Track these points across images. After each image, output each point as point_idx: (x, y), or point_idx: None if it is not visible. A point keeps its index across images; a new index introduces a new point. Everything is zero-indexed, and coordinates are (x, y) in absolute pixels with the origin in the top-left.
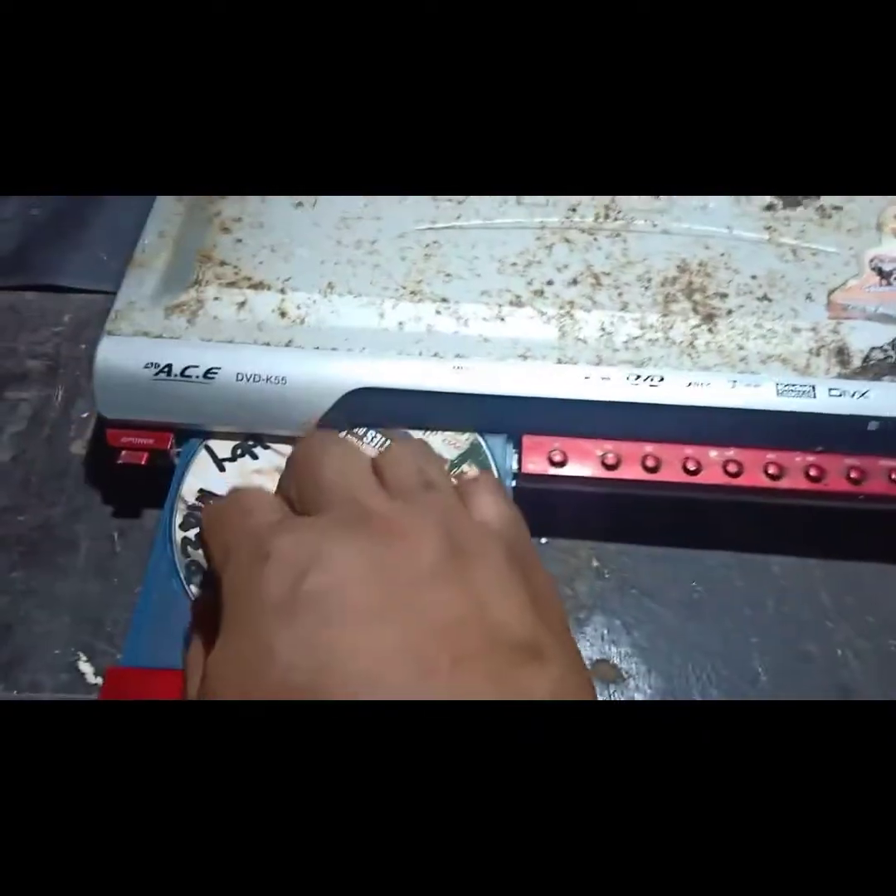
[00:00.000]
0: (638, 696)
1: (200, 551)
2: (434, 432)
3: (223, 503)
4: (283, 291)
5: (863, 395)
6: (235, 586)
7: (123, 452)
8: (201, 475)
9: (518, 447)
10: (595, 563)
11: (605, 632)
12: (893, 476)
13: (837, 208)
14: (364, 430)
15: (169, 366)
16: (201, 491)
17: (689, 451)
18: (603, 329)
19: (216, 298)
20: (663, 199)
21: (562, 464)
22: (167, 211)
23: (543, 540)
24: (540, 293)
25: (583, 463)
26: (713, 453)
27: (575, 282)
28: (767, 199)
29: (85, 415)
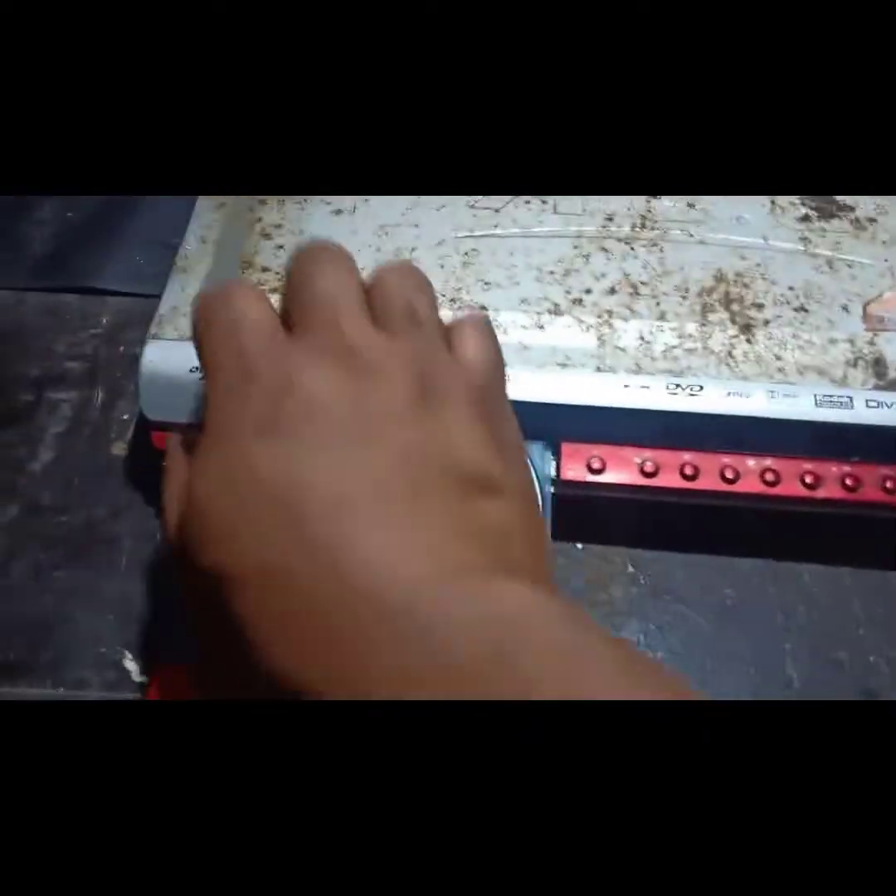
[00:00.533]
0: None
1: None
2: None
3: (216, 300)
4: None
5: None
6: (221, 402)
7: None
8: None
9: (557, 454)
10: (630, 569)
11: (641, 637)
12: None
13: (872, 220)
14: None
15: None
16: None
17: (726, 459)
18: (641, 338)
19: None
20: (699, 210)
21: (600, 471)
22: (207, 217)
23: (579, 545)
24: (578, 302)
25: (621, 470)
26: (751, 462)
27: (613, 291)
28: (803, 210)
29: (125, 416)
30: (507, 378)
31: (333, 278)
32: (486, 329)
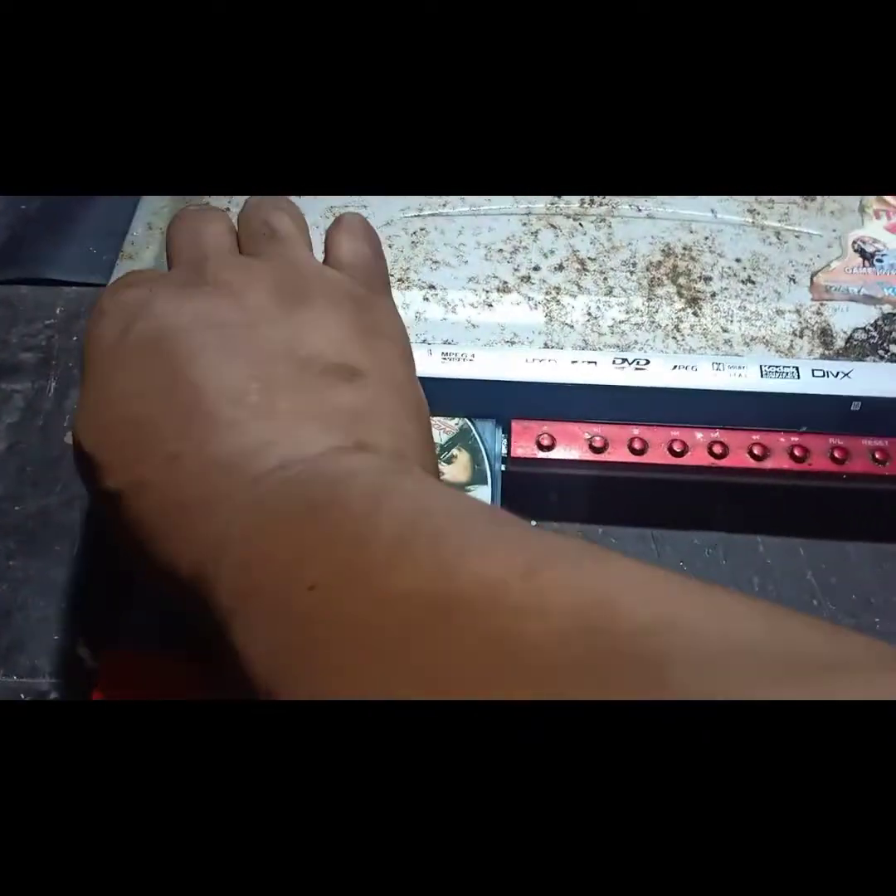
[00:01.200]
0: None
1: None
2: None
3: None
4: None
5: (846, 375)
6: (84, 341)
7: None
8: None
9: (507, 431)
10: None
11: None
12: (876, 455)
13: None
14: None
15: None
16: None
17: (675, 433)
18: (589, 314)
19: None
20: None
21: (550, 447)
22: (155, 203)
23: (532, 523)
24: (526, 279)
25: (571, 446)
26: (699, 435)
27: (561, 267)
28: None
29: None
30: (387, 272)
31: (197, 224)
32: (358, 229)
